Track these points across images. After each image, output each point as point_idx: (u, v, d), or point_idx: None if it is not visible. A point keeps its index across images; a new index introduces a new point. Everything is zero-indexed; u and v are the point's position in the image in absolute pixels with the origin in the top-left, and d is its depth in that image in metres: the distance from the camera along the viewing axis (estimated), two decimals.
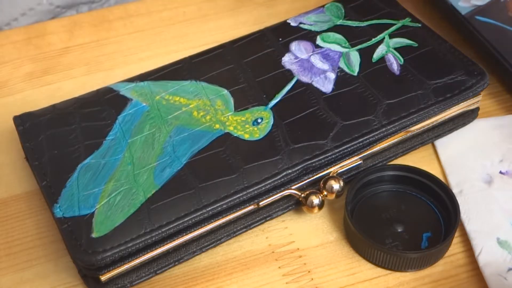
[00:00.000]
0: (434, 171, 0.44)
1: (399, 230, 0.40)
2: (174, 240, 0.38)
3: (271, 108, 0.43)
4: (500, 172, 0.43)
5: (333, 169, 0.41)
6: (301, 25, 0.49)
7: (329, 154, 0.41)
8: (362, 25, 0.49)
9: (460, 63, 0.45)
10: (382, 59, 0.46)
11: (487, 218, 0.40)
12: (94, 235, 0.37)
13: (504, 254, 0.39)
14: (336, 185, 0.41)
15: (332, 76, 0.45)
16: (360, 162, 0.42)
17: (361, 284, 0.39)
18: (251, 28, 0.51)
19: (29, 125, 0.44)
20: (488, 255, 0.39)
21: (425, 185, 0.42)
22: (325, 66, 0.46)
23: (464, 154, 0.45)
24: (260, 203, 0.40)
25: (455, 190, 0.42)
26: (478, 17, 0.52)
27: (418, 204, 0.42)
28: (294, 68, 0.46)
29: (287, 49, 0.47)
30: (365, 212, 0.41)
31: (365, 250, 0.40)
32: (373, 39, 0.47)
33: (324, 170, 0.41)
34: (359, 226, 0.40)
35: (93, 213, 0.38)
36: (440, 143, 0.45)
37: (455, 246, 0.40)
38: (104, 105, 0.44)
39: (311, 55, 0.47)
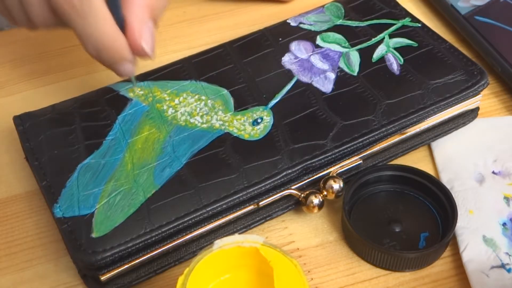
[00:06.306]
0: (433, 171, 0.44)
1: (397, 230, 0.40)
2: (174, 240, 0.38)
3: (271, 108, 0.43)
4: (493, 172, 0.43)
5: (333, 169, 0.41)
6: (301, 25, 0.49)
7: (329, 154, 0.41)
8: (362, 25, 0.49)
9: (460, 63, 0.45)
10: (382, 59, 0.46)
11: (475, 216, 0.40)
12: (94, 235, 0.37)
13: (489, 252, 0.39)
14: (336, 185, 0.41)
15: (332, 76, 0.45)
16: (360, 162, 0.42)
17: (361, 284, 0.39)
18: (251, 28, 0.51)
19: (29, 125, 0.44)
20: (472, 252, 0.39)
21: (422, 185, 0.42)
22: (325, 66, 0.46)
23: (459, 153, 0.44)
24: (260, 203, 0.40)
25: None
26: (477, 17, 0.52)
27: (416, 204, 0.42)
28: (294, 68, 0.46)
29: (287, 49, 0.47)
30: (363, 212, 0.41)
31: (362, 250, 0.40)
32: (373, 39, 0.47)
33: (324, 170, 0.41)
34: (357, 226, 0.40)
35: (93, 213, 0.38)
36: (436, 141, 0.45)
37: (455, 246, 0.40)
38: (104, 105, 0.44)
39: (311, 55, 0.47)
